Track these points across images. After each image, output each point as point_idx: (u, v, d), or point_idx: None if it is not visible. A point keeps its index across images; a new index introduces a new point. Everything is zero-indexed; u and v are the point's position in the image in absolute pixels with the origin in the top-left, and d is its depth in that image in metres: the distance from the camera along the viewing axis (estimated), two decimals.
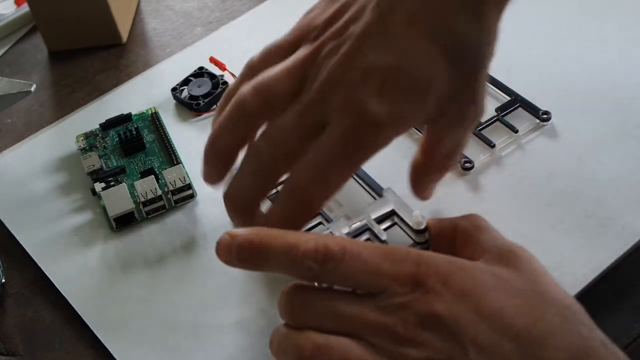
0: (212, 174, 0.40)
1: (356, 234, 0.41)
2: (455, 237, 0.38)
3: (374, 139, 0.35)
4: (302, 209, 0.37)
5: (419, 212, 0.39)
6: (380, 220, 0.40)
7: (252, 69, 0.39)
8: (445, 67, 0.35)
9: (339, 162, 0.36)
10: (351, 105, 0.35)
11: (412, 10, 0.35)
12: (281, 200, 0.37)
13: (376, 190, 0.43)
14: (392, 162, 0.47)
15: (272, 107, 0.37)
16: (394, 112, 0.35)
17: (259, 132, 0.38)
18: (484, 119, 0.47)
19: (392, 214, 0.41)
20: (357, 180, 0.45)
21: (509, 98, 0.49)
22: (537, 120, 0.47)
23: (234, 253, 0.34)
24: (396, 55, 0.35)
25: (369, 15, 0.36)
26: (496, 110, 0.48)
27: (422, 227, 0.39)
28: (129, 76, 0.58)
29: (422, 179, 0.41)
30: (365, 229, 0.41)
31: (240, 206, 0.39)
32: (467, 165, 0.45)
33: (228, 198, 0.39)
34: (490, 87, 0.50)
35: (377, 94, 0.34)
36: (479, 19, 0.35)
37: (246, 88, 0.37)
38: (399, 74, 0.35)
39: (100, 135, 0.52)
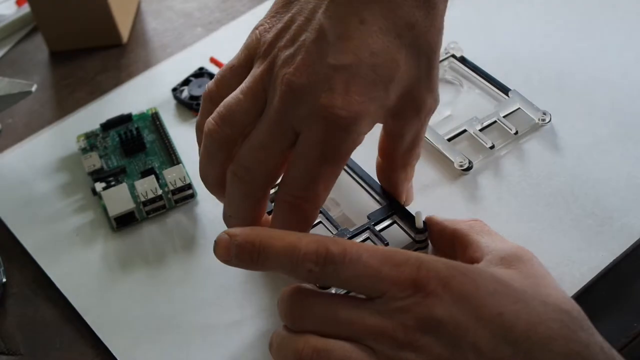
0: (220, 199, 0.41)
1: (355, 234, 0.41)
2: (454, 241, 0.38)
3: (348, 139, 0.36)
4: (299, 221, 0.37)
5: (420, 211, 0.39)
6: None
7: (212, 99, 0.39)
8: (404, 59, 0.36)
9: (320, 169, 0.36)
10: (319, 111, 0.35)
11: (365, 9, 0.35)
12: (277, 216, 0.37)
13: (373, 188, 0.43)
14: None
15: (241, 131, 0.37)
16: (363, 109, 0.35)
17: None
18: (484, 121, 0.48)
19: (392, 213, 0.42)
20: (354, 179, 0.45)
21: (508, 98, 0.49)
22: (536, 121, 0.47)
23: (233, 253, 0.34)
24: (355, 53, 0.35)
25: (320, 21, 0.35)
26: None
27: (422, 226, 0.39)
28: (130, 76, 0.58)
29: (391, 180, 0.42)
30: (366, 228, 0.41)
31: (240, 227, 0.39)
32: (467, 165, 0.45)
33: (227, 223, 0.39)
34: (490, 87, 0.50)
35: (344, 94, 0.35)
36: (431, 11, 0.36)
37: (211, 120, 0.38)
38: (362, 70, 0.35)
39: (100, 135, 0.52)
